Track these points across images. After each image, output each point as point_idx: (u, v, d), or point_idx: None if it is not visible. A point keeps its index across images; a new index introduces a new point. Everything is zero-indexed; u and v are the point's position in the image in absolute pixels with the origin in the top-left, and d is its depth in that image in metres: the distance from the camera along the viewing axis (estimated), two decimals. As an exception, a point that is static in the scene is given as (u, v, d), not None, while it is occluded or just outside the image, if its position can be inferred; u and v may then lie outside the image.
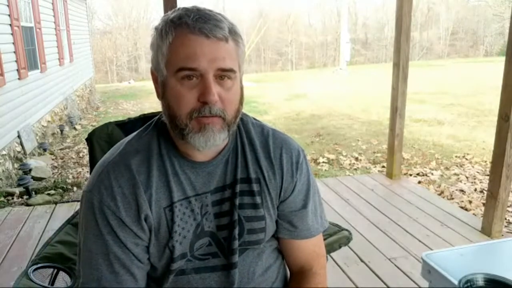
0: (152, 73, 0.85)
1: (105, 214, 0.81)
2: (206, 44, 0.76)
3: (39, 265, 1.15)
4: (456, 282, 0.85)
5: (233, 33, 0.80)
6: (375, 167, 5.03)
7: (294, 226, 0.95)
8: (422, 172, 4.74)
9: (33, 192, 4.24)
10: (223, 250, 0.89)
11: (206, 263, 0.89)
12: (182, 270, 0.88)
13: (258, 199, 0.90)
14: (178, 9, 0.81)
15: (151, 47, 0.83)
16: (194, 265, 0.89)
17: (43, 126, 6.82)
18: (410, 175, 4.65)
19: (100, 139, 1.26)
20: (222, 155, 0.89)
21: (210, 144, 0.80)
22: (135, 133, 0.91)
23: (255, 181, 0.90)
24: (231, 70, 0.79)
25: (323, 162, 5.29)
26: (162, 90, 0.82)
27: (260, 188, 0.90)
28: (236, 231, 0.88)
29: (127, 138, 0.90)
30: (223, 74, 0.78)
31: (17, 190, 4.27)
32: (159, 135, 0.87)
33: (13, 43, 5.67)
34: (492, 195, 2.67)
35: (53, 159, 5.92)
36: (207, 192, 0.88)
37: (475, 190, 4.14)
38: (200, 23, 0.76)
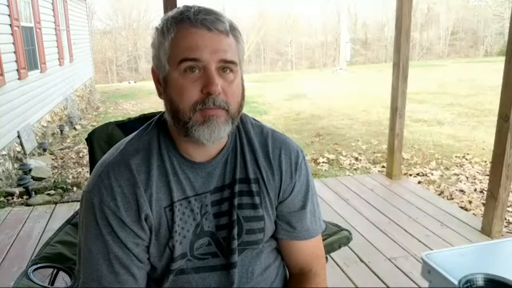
0: (153, 72, 0.85)
1: (105, 214, 0.81)
2: (208, 36, 0.77)
3: (39, 265, 1.15)
4: (456, 282, 0.85)
5: (233, 29, 0.81)
6: (375, 167, 5.03)
7: (292, 227, 0.95)
8: (422, 172, 4.74)
9: (33, 192, 4.24)
10: (223, 250, 0.89)
11: (205, 262, 0.89)
12: (182, 269, 0.88)
13: (257, 200, 0.90)
14: (178, 7, 0.82)
15: (152, 46, 0.83)
16: (194, 265, 0.89)
17: (43, 126, 6.82)
18: (410, 175, 4.65)
19: (100, 139, 1.26)
20: (221, 155, 0.89)
21: (215, 136, 0.80)
22: (135, 132, 0.91)
23: (254, 182, 0.90)
24: (233, 62, 0.79)
25: (323, 162, 5.29)
26: (164, 86, 0.82)
27: (259, 188, 0.91)
28: (235, 231, 0.88)
29: (127, 138, 0.90)
30: (225, 66, 0.78)
31: (17, 190, 4.27)
32: (159, 135, 0.87)
33: (13, 43, 5.67)
34: (492, 195, 2.67)
35: (53, 159, 5.92)
36: (207, 192, 0.88)
37: (475, 190, 4.14)
38: (202, 15, 0.77)
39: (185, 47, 0.77)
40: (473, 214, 3.42)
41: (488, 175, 3.24)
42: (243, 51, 0.84)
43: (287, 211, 0.95)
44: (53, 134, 7.26)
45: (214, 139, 0.80)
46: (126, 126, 1.26)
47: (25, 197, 4.17)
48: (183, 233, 0.85)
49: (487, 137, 6.00)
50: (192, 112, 0.78)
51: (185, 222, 0.86)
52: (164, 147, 0.86)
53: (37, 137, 6.32)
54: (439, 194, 4.00)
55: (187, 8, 0.79)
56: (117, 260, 0.81)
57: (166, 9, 2.68)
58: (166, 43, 0.79)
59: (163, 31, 0.80)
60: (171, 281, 0.88)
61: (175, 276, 0.88)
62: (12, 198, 4.15)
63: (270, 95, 11.65)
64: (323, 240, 1.21)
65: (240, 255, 0.90)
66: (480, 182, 4.34)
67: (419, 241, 2.68)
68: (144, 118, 1.22)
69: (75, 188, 4.52)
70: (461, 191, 4.13)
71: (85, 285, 0.82)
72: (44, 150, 6.18)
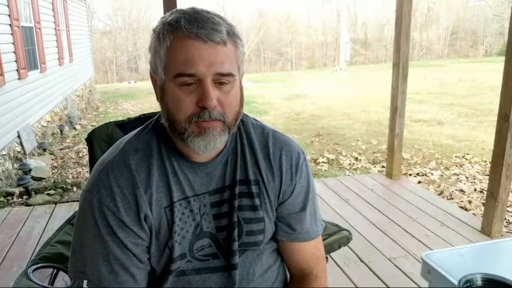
0: (151, 76, 0.85)
1: (105, 214, 0.81)
2: (203, 48, 0.75)
3: (39, 265, 1.15)
4: (455, 282, 0.85)
5: (232, 34, 0.79)
6: (375, 167, 5.03)
7: (292, 229, 0.95)
8: (422, 172, 4.74)
9: (33, 192, 4.24)
10: (223, 251, 0.89)
11: (206, 264, 0.89)
12: (182, 271, 0.88)
13: (257, 201, 0.90)
14: (176, 11, 0.80)
15: (149, 50, 0.82)
16: (195, 266, 0.89)
17: (43, 126, 6.82)
18: (410, 175, 4.65)
19: (99, 139, 1.26)
20: (221, 156, 0.89)
21: (210, 147, 0.80)
22: (133, 132, 0.91)
23: (254, 183, 0.90)
24: (230, 75, 0.78)
25: (323, 162, 5.29)
26: (161, 94, 0.82)
27: (259, 190, 0.90)
28: (236, 233, 0.88)
29: (126, 137, 0.90)
30: (222, 79, 0.77)
31: (17, 190, 4.27)
32: (159, 135, 0.87)
33: (13, 43, 5.67)
34: (492, 195, 2.67)
35: (53, 159, 5.91)
36: (206, 192, 0.88)
37: (475, 190, 4.14)
38: (197, 27, 0.75)
39: (180, 60, 0.76)
40: (473, 214, 3.42)
41: (488, 175, 3.24)
42: (242, 55, 0.83)
43: (287, 213, 0.94)
44: (53, 134, 7.25)
45: (210, 150, 0.81)
46: (126, 126, 1.26)
47: (25, 197, 4.17)
48: (182, 233, 0.85)
49: (487, 137, 6.00)
50: (187, 124, 0.78)
51: (185, 222, 0.86)
52: (163, 147, 0.86)
53: (37, 137, 6.32)
54: (439, 194, 4.00)
55: (183, 15, 0.77)
56: (116, 260, 0.81)
57: (166, 9, 2.68)
58: (161, 51, 0.78)
59: (159, 37, 0.78)
60: (172, 282, 0.88)
61: (176, 277, 0.88)
62: (12, 198, 4.15)
63: (270, 95, 11.64)
64: (323, 240, 1.21)
65: (241, 257, 0.90)
66: (480, 182, 4.33)
67: (419, 241, 2.68)
68: (144, 118, 1.22)
69: (75, 188, 4.52)
70: (461, 191, 4.13)
71: (91, 284, 0.83)
72: (44, 150, 6.18)
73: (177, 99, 0.78)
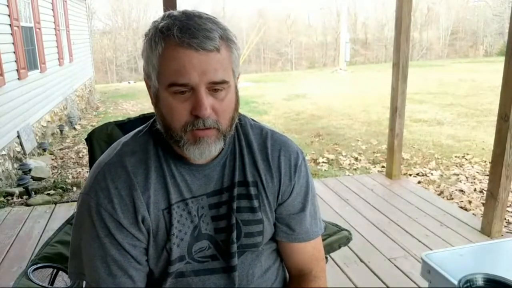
0: (145, 81, 0.84)
1: (102, 216, 0.80)
2: (195, 57, 0.74)
3: (39, 265, 1.15)
4: (455, 282, 0.85)
5: (226, 39, 0.78)
6: (375, 167, 5.03)
7: (292, 229, 0.95)
8: (422, 172, 4.74)
9: (33, 192, 4.24)
10: (222, 253, 0.89)
11: (205, 265, 0.89)
12: (181, 272, 0.88)
13: (255, 203, 0.89)
14: (168, 16, 0.78)
15: (142, 55, 0.81)
16: (194, 267, 0.88)
17: (42, 126, 6.82)
18: (410, 175, 4.65)
19: (99, 139, 1.26)
20: (219, 158, 0.88)
21: (206, 156, 0.81)
22: (130, 133, 0.90)
23: (252, 185, 0.89)
24: (224, 82, 0.77)
25: (323, 162, 5.29)
26: (156, 100, 0.82)
27: (257, 191, 0.90)
28: (234, 235, 0.88)
29: (123, 139, 0.90)
30: (216, 86, 0.77)
31: (16, 190, 4.27)
32: (156, 137, 0.87)
33: (13, 43, 5.67)
34: (492, 195, 2.67)
35: (52, 159, 5.91)
36: (204, 194, 0.87)
37: (475, 190, 4.14)
38: (188, 36, 0.73)
39: (173, 70, 0.75)
40: (473, 214, 3.42)
41: (488, 175, 3.24)
42: (238, 58, 0.82)
43: (287, 214, 0.94)
44: (53, 134, 7.25)
45: (205, 158, 0.82)
46: (126, 126, 1.26)
47: (25, 197, 4.17)
48: (181, 235, 0.85)
49: (487, 137, 6.00)
50: (183, 132, 0.78)
51: (183, 224, 0.85)
52: (161, 149, 0.86)
53: (37, 137, 6.32)
54: (439, 194, 4.00)
55: (174, 22, 0.75)
56: (114, 262, 0.81)
57: (166, 9, 2.68)
58: (154, 60, 0.77)
59: (151, 44, 0.77)
60: (171, 283, 0.88)
61: (175, 278, 0.88)
62: (12, 198, 4.15)
63: (270, 95, 11.63)
64: (323, 240, 1.21)
65: (240, 258, 0.90)
66: (480, 182, 4.34)
67: (419, 241, 2.68)
68: (144, 118, 1.23)
69: (75, 188, 4.52)
70: (461, 191, 4.13)
71: (89, 285, 0.83)
72: (44, 150, 6.18)
73: (171, 108, 0.78)
